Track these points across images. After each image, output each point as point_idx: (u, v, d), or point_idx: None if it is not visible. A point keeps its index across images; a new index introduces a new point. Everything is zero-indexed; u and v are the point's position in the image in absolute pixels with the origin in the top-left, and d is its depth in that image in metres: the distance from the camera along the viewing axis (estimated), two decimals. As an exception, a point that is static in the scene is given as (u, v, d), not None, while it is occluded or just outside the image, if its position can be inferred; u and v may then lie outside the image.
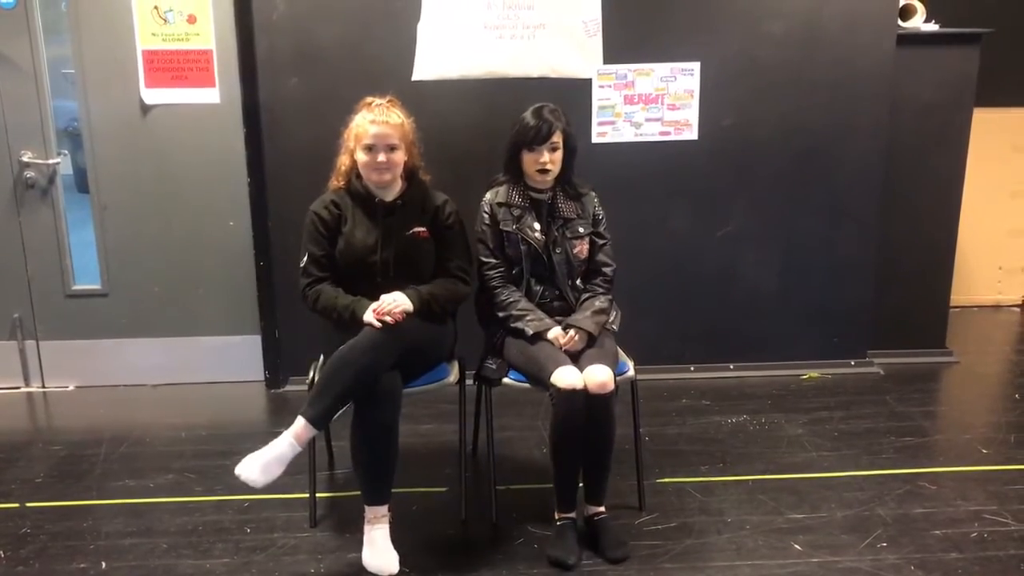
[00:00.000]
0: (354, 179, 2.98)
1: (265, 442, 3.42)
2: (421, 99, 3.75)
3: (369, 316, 2.76)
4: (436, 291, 2.93)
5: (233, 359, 4.36)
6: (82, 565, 2.80)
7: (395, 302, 2.79)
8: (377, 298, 2.85)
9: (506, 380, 3.00)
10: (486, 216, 3.09)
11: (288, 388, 4.34)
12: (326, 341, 2.97)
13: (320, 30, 3.95)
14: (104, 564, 2.80)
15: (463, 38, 3.95)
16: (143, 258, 4.26)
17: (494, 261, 3.08)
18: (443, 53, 3.96)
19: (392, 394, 2.71)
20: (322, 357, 3.01)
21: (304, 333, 3.95)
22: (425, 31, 3.94)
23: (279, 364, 4.33)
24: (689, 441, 3.66)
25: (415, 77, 3.97)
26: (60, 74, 4.16)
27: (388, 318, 2.74)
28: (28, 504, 3.21)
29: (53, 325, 4.34)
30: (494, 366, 3.03)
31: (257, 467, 2.62)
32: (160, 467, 3.49)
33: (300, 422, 2.66)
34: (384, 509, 2.77)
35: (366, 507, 2.76)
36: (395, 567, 2.70)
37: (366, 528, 2.76)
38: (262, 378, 4.36)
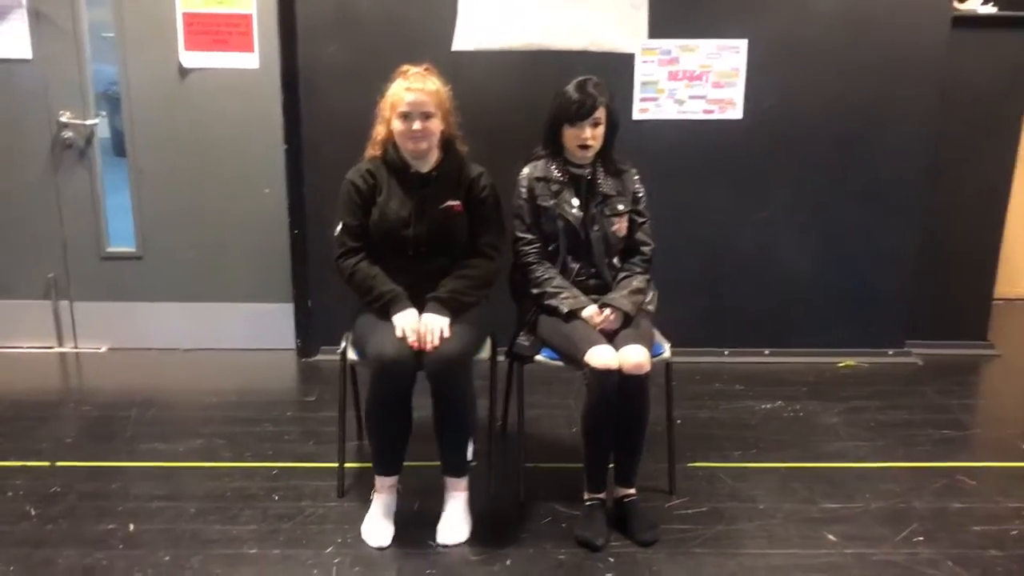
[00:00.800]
0: (390, 149, 2.93)
1: (295, 410, 3.44)
2: (459, 69, 3.69)
3: (402, 322, 2.73)
4: (459, 286, 2.86)
5: (265, 326, 4.36)
6: (111, 526, 2.81)
7: (429, 329, 2.72)
8: (409, 271, 2.85)
9: (539, 358, 2.96)
10: (523, 191, 3.03)
11: (319, 357, 4.33)
12: (357, 314, 2.94)
13: (361, -4, 3.91)
14: (132, 526, 2.81)
15: (505, 8, 3.88)
16: (178, 222, 4.26)
17: (530, 237, 3.02)
18: (484, 23, 3.89)
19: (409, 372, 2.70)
20: (352, 335, 2.96)
21: (337, 303, 3.93)
22: (467, 0, 3.87)
23: (311, 333, 4.32)
24: (721, 426, 3.61)
25: (455, 47, 3.91)
26: (100, 38, 4.15)
27: (429, 346, 2.70)
28: (59, 463, 3.23)
29: (87, 287, 4.36)
30: (527, 343, 2.98)
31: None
32: (190, 432, 3.49)
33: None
34: (392, 480, 2.81)
35: (376, 477, 2.81)
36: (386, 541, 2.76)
37: (374, 496, 2.82)
38: (293, 346, 4.35)
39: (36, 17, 4.02)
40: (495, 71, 3.95)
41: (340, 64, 3.97)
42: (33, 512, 2.89)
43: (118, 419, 3.61)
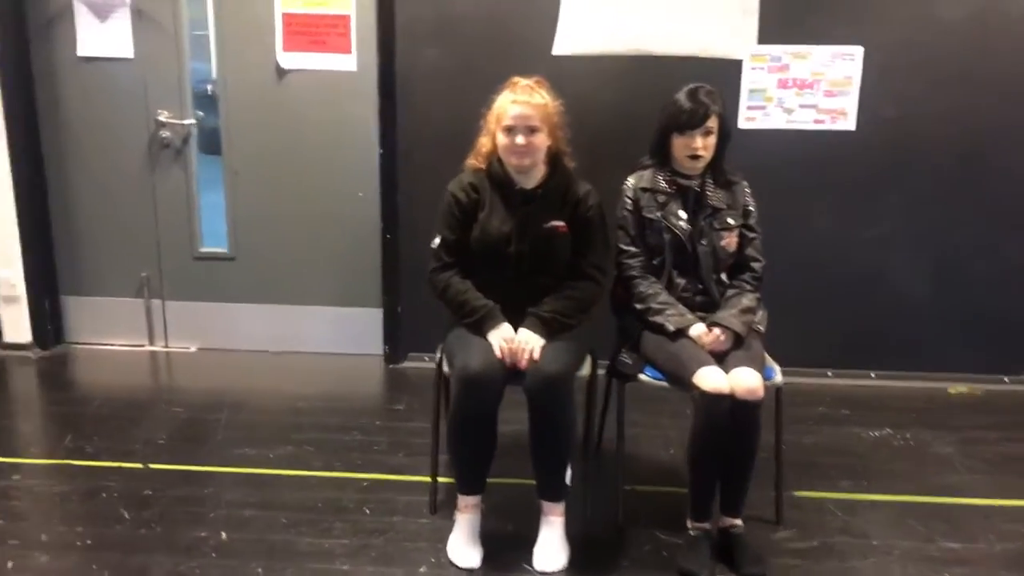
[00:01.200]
0: (495, 162, 2.82)
1: (384, 418, 3.49)
2: (561, 76, 3.57)
3: (498, 339, 2.66)
4: (561, 307, 2.75)
5: (354, 331, 4.31)
6: (203, 533, 2.77)
7: (524, 346, 2.64)
8: (508, 288, 2.76)
9: (642, 377, 2.83)
10: (628, 202, 2.91)
11: (407, 364, 4.26)
12: (450, 328, 2.86)
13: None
14: (224, 535, 2.77)
15: (608, 11, 3.75)
16: (271, 224, 4.24)
17: (634, 250, 2.90)
18: (586, 27, 3.77)
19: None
20: (442, 351, 2.88)
21: (427, 310, 3.85)
22: (569, 3, 3.75)
23: (399, 340, 4.26)
24: (827, 453, 3.43)
25: (556, 51, 3.79)
26: (192, 36, 4.15)
27: (522, 363, 2.62)
28: (151, 465, 3.22)
29: (179, 286, 4.38)
30: (630, 361, 2.86)
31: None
32: (279, 437, 3.45)
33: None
34: (475, 499, 2.72)
35: (459, 495, 2.73)
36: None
37: (457, 516, 2.74)
38: (381, 352, 4.30)
39: (139, 16, 4.04)
40: (597, 77, 3.82)
41: (438, 69, 3.89)
42: (127, 515, 2.87)
43: (209, 422, 3.59)
